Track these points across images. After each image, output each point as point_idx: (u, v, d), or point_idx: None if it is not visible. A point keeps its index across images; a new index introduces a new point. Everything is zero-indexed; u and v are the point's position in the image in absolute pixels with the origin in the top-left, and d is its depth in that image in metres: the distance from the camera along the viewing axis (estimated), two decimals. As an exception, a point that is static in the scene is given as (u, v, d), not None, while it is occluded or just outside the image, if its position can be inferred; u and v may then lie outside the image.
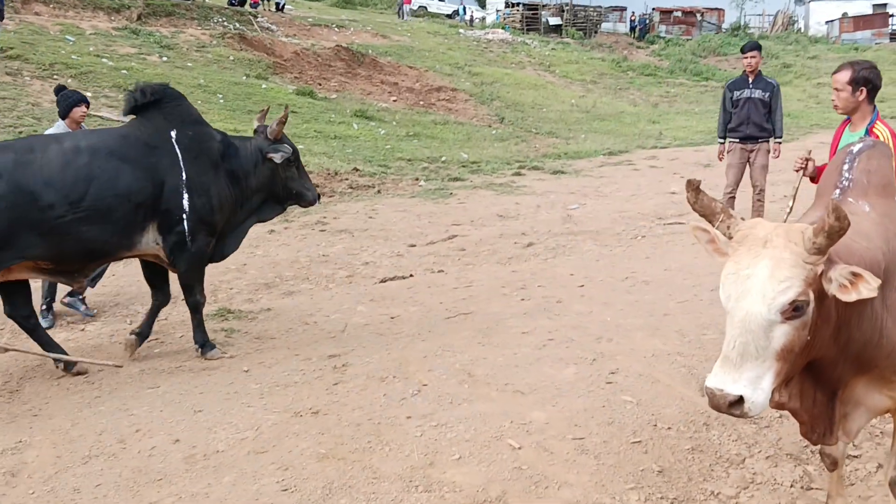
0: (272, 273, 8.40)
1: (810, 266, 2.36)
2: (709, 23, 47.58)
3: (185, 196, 5.41)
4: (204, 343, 5.73)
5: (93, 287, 6.68)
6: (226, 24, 28.97)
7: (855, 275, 2.35)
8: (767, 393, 2.36)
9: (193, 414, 4.63)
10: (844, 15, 44.74)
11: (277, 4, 37.17)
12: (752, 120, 9.30)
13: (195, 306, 5.71)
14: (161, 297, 5.88)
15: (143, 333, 5.76)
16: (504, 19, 44.05)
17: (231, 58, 24.45)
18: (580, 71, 34.24)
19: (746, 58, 9.40)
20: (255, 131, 6.08)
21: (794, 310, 2.34)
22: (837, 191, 3.01)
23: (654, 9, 47.72)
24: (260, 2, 37.08)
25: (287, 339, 6.08)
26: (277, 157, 5.88)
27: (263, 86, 22.31)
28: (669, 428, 4.36)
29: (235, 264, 8.16)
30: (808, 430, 2.90)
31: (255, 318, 6.57)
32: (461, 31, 39.05)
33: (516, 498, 3.72)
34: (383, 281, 7.71)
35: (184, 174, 5.43)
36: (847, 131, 4.31)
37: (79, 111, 6.57)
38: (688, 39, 44.05)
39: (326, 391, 4.92)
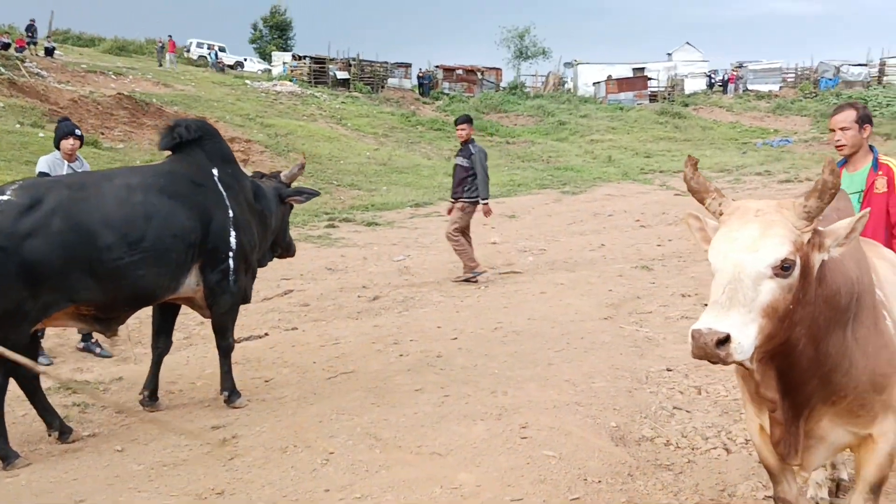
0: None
1: (798, 231, 2.52)
2: (488, 81, 49.78)
3: (233, 234, 5.25)
4: (232, 391, 5.53)
5: None
6: (-12, 68, 26.74)
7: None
8: (752, 342, 2.41)
9: (76, 506, 3.98)
10: (609, 77, 48.53)
11: (46, 49, 34.81)
12: (454, 183, 10.35)
13: (227, 350, 5.54)
14: (165, 343, 5.61)
15: (154, 391, 5.51)
16: (291, 71, 43.73)
17: (0, 104, 22.50)
18: (371, 124, 34.59)
19: (457, 130, 10.26)
20: (262, 175, 6.12)
21: (782, 268, 2.46)
22: None
23: (437, 66, 49.34)
24: (26, 45, 34.59)
25: (152, 411, 5.44)
26: (302, 199, 6.02)
27: (41, 134, 20.74)
28: (599, 482, 4.28)
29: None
30: (781, 437, 2.93)
31: (107, 389, 5.86)
32: (248, 82, 38.37)
33: (476, 570, 3.47)
34: (238, 341, 7.15)
35: (230, 212, 5.25)
36: (845, 173, 4.47)
37: (66, 143, 6.80)
38: (470, 96, 45.85)
39: (224, 468, 4.42)
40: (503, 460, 4.45)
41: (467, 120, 10.36)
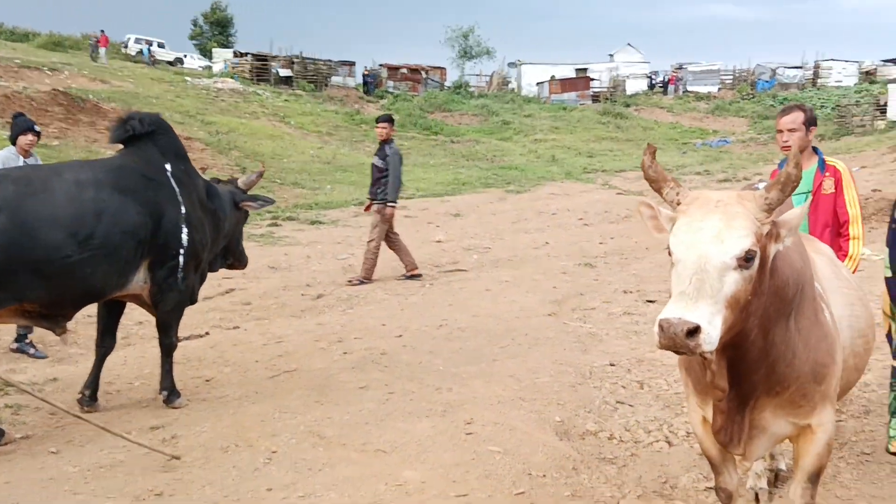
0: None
1: (759, 223, 2.54)
2: (433, 80, 49.73)
3: (185, 231, 5.13)
4: (171, 390, 5.42)
5: None
6: (-85, 63, 25.86)
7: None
8: (718, 334, 2.40)
9: (8, 510, 3.85)
10: (552, 78, 48.92)
11: (-22, 43, 33.78)
12: (372, 183, 10.35)
13: (169, 348, 5.42)
14: (110, 342, 5.47)
15: (94, 391, 5.36)
16: (233, 69, 43.09)
17: (-71, 100, 21.82)
18: (315, 123, 34.29)
19: (377, 127, 10.29)
20: (219, 181, 6.01)
21: (746, 259, 2.47)
22: None
23: (381, 65, 49.12)
24: (-44, 39, 33.52)
25: (90, 411, 5.30)
26: (256, 206, 5.98)
27: (-29, 130, 20.08)
28: (544, 476, 4.29)
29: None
30: (722, 425, 2.97)
31: (41, 391, 5.67)
32: (188, 78, 37.71)
33: (421, 567, 3.45)
34: (178, 341, 7.02)
35: (183, 208, 5.13)
36: None
37: (24, 139, 6.69)
38: (415, 95, 45.75)
39: (163, 468, 4.33)
40: (448, 456, 4.44)
41: (388, 119, 10.38)
